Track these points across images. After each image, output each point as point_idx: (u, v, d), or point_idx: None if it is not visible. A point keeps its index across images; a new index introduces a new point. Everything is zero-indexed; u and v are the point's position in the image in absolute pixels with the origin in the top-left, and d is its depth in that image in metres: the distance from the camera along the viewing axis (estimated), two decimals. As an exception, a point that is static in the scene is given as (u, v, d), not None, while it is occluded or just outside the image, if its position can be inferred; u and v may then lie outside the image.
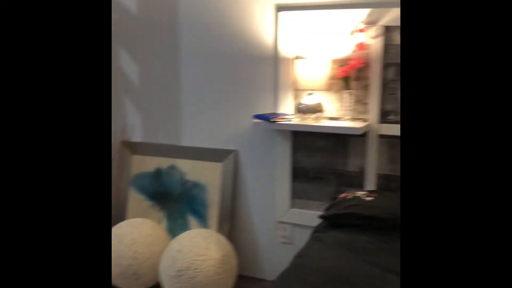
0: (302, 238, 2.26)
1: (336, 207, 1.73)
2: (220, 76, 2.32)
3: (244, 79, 2.27)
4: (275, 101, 2.21)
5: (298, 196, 2.25)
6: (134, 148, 2.54)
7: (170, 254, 2.01)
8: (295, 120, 2.08)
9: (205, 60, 2.34)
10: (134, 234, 2.16)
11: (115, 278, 2.14)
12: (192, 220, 2.39)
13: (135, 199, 2.51)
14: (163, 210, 2.46)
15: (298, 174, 2.23)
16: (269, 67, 2.20)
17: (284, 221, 2.29)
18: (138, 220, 2.27)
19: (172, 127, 2.47)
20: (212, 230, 2.27)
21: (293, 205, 2.26)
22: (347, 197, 1.77)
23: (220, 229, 2.31)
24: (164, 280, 2.02)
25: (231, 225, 2.36)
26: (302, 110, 2.03)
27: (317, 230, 1.69)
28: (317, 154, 2.18)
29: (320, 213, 2.18)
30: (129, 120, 2.57)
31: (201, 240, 2.02)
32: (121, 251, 2.11)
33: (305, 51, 2.08)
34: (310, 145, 2.18)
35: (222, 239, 2.10)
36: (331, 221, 1.68)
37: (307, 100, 2.04)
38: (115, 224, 2.42)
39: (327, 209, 1.78)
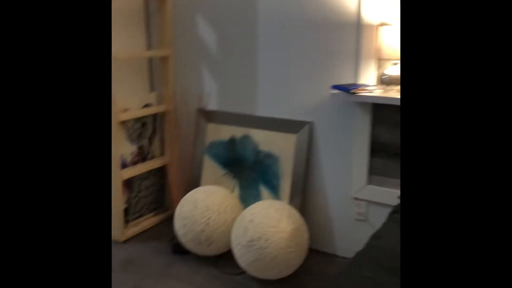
0: (377, 216, 2.17)
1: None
2: (299, 44, 2.23)
3: (324, 47, 2.16)
4: (356, 71, 2.09)
5: (375, 172, 2.14)
6: (210, 116, 2.55)
7: (241, 224, 2.02)
8: (377, 92, 1.95)
9: (284, 27, 2.25)
10: (208, 201, 2.18)
11: (188, 243, 2.20)
12: (264, 190, 2.37)
13: (210, 166, 2.54)
14: (236, 179, 2.46)
15: (377, 150, 2.11)
16: (351, 34, 2.07)
17: (359, 198, 2.20)
18: (212, 187, 2.29)
19: (247, 96, 2.44)
20: (284, 202, 2.24)
21: (370, 182, 2.16)
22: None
23: (291, 202, 2.28)
24: (235, 248, 2.04)
25: (303, 198, 2.32)
26: (385, 81, 1.90)
27: (395, 210, 1.59)
28: (398, 129, 2.04)
29: (398, 191, 2.06)
30: (206, 88, 2.57)
31: (273, 211, 2.00)
32: (194, 216, 2.15)
33: (391, 17, 1.93)
34: (391, 119, 2.05)
35: (295, 212, 2.07)
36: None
37: (391, 70, 1.89)
38: (190, 190, 2.48)
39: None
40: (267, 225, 1.95)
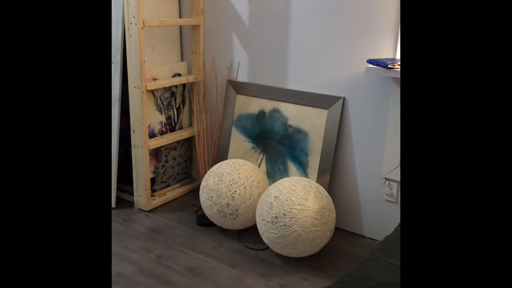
0: (409, 198, 2.08)
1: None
2: (334, 15, 2.12)
3: (361, 19, 2.04)
4: (395, 46, 1.97)
5: (409, 153, 2.04)
6: (239, 87, 2.49)
7: (267, 199, 1.98)
8: (416, 68, 1.83)
9: (319, -3, 2.14)
10: (234, 175, 2.15)
11: (213, 215, 2.18)
12: (292, 166, 2.32)
13: (238, 139, 2.50)
14: (264, 153, 2.41)
15: (412, 129, 2.00)
16: (391, 5, 1.94)
17: (390, 178, 2.11)
18: (239, 161, 2.25)
19: (278, 68, 2.35)
20: (311, 179, 2.18)
21: (402, 162, 2.06)
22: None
23: (319, 179, 2.21)
24: (260, 224, 2.01)
25: (332, 176, 2.25)
26: (425, 56, 1.77)
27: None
28: (437, 109, 1.92)
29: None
30: (236, 58, 2.50)
31: (300, 189, 1.95)
32: (220, 190, 2.13)
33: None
34: (430, 97, 1.93)
35: (322, 190, 2.00)
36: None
37: (433, 45, 1.77)
38: (217, 162, 2.45)
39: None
40: (293, 202, 1.90)
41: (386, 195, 2.14)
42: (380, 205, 2.18)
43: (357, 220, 2.27)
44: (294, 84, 2.31)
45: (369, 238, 2.25)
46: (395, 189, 2.12)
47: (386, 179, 2.12)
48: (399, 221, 2.12)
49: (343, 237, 2.23)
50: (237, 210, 2.12)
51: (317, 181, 2.18)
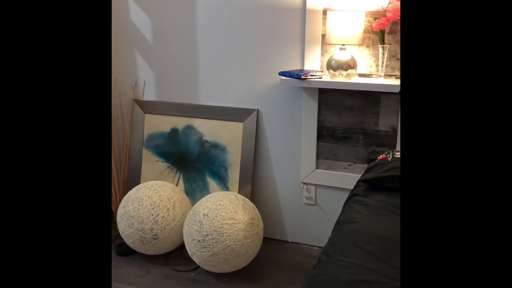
0: (326, 199, 2.21)
1: (376, 170, 1.65)
2: (241, 30, 2.17)
3: (267, 33, 2.13)
4: (301, 57, 2.08)
5: (323, 156, 2.17)
6: (147, 106, 2.40)
7: (195, 218, 1.94)
8: (325, 77, 1.96)
9: (225, 12, 2.18)
10: (154, 198, 2.06)
11: (135, 243, 2.07)
12: (211, 182, 2.30)
13: (150, 160, 2.41)
14: (180, 171, 2.36)
15: (324, 134, 2.14)
16: (296, 20, 2.06)
17: (308, 182, 2.22)
18: (157, 182, 2.17)
19: (188, 84, 2.33)
20: (236, 193, 2.19)
21: (318, 166, 2.18)
22: (387, 158, 1.69)
23: (241, 191, 2.24)
24: (189, 245, 1.96)
25: (253, 186, 2.29)
26: (333, 66, 1.91)
27: (356, 193, 1.61)
28: (345, 113, 2.08)
29: (346, 174, 2.11)
30: (141, 77, 2.41)
31: (228, 203, 1.94)
32: (141, 215, 2.03)
33: (336, 3, 1.94)
34: (338, 103, 2.08)
35: (249, 202, 2.03)
36: (371, 184, 1.60)
37: (339, 55, 1.91)
38: (131, 187, 2.33)
39: (367, 172, 1.70)
40: (223, 217, 1.89)
41: (306, 198, 2.25)
42: (300, 209, 2.28)
43: (280, 226, 2.33)
44: (206, 99, 2.31)
45: (293, 242, 2.33)
46: (313, 192, 2.23)
47: (304, 183, 2.23)
48: (319, 222, 2.24)
49: (269, 244, 2.28)
50: (162, 234, 2.04)
51: (239, 193, 2.20)
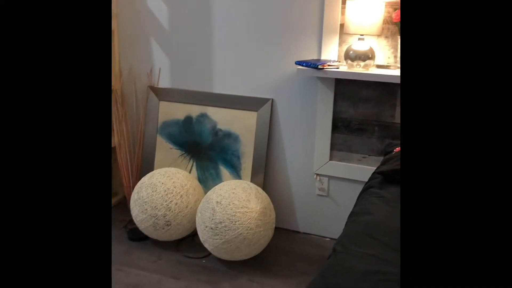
0: (339, 191, 2.20)
1: (392, 162, 1.64)
2: (258, 18, 2.15)
3: (285, 21, 2.11)
4: (319, 47, 2.07)
5: (337, 148, 2.16)
6: (162, 94, 2.41)
7: (208, 206, 1.94)
8: (342, 67, 1.94)
9: (242, 0, 2.16)
10: (168, 184, 2.07)
11: (148, 229, 2.09)
12: (224, 170, 2.31)
13: (164, 147, 2.41)
14: (193, 159, 2.37)
15: (339, 125, 2.12)
16: (314, 8, 2.04)
17: (321, 174, 2.21)
18: (171, 169, 2.18)
19: (203, 73, 2.32)
20: (249, 181, 2.19)
21: (332, 157, 2.17)
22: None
23: (253, 180, 2.24)
24: (202, 232, 1.97)
25: (265, 176, 2.28)
26: (351, 56, 1.89)
27: (372, 185, 1.60)
28: (361, 105, 2.06)
29: (360, 166, 2.10)
30: (156, 64, 2.42)
31: (241, 192, 1.95)
32: (155, 201, 2.04)
33: (356, -8, 1.91)
34: (354, 94, 2.06)
35: (261, 191, 2.03)
36: (387, 177, 1.59)
37: (357, 45, 1.89)
38: (145, 173, 2.34)
39: (383, 164, 1.68)
40: (236, 205, 1.90)
41: (318, 189, 2.24)
42: (313, 200, 2.27)
43: (291, 217, 2.33)
44: (221, 87, 2.31)
45: (304, 233, 2.33)
46: (326, 183, 2.22)
47: (317, 174, 2.22)
48: (331, 213, 2.24)
49: (280, 234, 2.28)
50: (174, 220, 2.05)
51: (251, 182, 2.20)
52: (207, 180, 2.34)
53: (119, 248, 2.14)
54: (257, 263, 2.03)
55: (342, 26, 1.98)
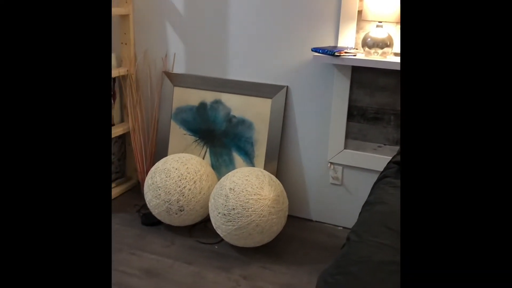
0: (353, 180, 2.19)
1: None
2: (274, 4, 2.12)
3: (301, 7, 2.08)
4: (335, 34, 2.03)
5: (352, 136, 2.14)
6: (176, 79, 2.40)
7: (221, 192, 1.94)
8: (360, 55, 1.91)
9: (258, -15, 2.13)
10: (182, 170, 2.08)
11: (161, 214, 2.10)
12: (237, 157, 2.30)
13: (178, 133, 2.42)
14: (207, 146, 2.37)
15: (355, 114, 2.10)
16: (331, -6, 2.00)
17: (335, 162, 2.19)
18: (185, 155, 2.18)
19: (218, 58, 2.31)
20: (262, 169, 2.18)
21: (346, 146, 2.15)
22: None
23: (267, 168, 2.23)
24: (214, 218, 1.97)
25: (279, 164, 2.28)
26: (368, 44, 1.86)
27: (387, 175, 1.58)
28: (378, 93, 2.03)
29: (374, 155, 2.08)
30: (171, 49, 2.41)
31: (254, 179, 1.94)
32: (168, 186, 2.05)
33: (375, -23, 1.87)
34: (371, 82, 2.03)
35: (274, 179, 2.02)
36: (402, 166, 1.57)
37: (375, 33, 1.86)
38: (159, 158, 2.35)
39: (399, 153, 1.66)
40: (249, 192, 1.90)
41: (332, 178, 2.23)
42: (326, 189, 2.26)
43: (305, 205, 2.33)
44: (235, 74, 2.29)
45: (317, 221, 2.32)
46: (340, 172, 2.21)
47: (331, 163, 2.20)
48: (344, 202, 2.22)
49: (293, 222, 2.28)
50: (187, 206, 2.06)
51: (264, 169, 2.20)
52: (221, 166, 2.34)
53: (132, 233, 2.16)
54: (269, 250, 2.03)
55: (360, 12, 1.94)
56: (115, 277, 1.82)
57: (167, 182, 2.06)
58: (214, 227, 2.01)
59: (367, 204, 1.44)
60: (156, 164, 2.18)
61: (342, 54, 1.87)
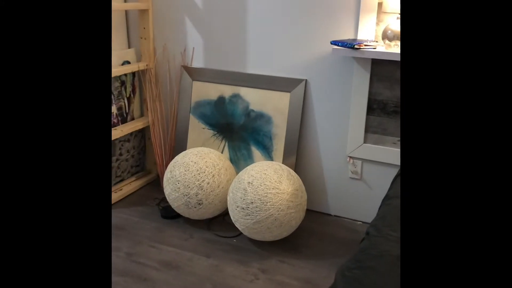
0: (372, 174, 2.17)
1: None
2: (293, -3, 2.11)
3: (320, 0, 2.06)
4: (355, 26, 2.01)
5: (372, 130, 2.11)
6: (195, 73, 2.41)
7: (240, 186, 1.95)
8: (380, 47, 1.89)
9: (277, -22, 2.12)
10: (200, 164, 2.09)
11: (180, 207, 2.12)
12: (256, 151, 2.30)
13: (196, 127, 2.43)
14: (226, 139, 2.37)
15: (375, 107, 2.07)
16: (351, -14, 1.98)
17: (355, 156, 2.17)
18: (204, 149, 2.19)
19: (236, 53, 2.31)
20: (281, 163, 2.18)
21: (366, 140, 2.13)
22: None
23: (285, 162, 2.22)
24: (233, 212, 1.98)
25: (297, 158, 2.27)
26: (389, 36, 1.83)
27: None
28: (398, 86, 2.00)
29: (394, 149, 2.06)
30: (190, 44, 2.41)
31: (272, 173, 1.94)
32: (187, 180, 2.06)
33: (396, -32, 1.84)
34: (391, 75, 2.00)
35: (293, 173, 2.02)
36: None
37: (396, 25, 1.83)
38: (178, 152, 2.37)
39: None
40: (268, 186, 1.89)
41: (351, 172, 2.21)
42: (345, 183, 2.24)
43: (323, 199, 2.32)
44: (254, 68, 2.29)
45: (335, 216, 2.31)
46: (359, 166, 2.18)
47: (351, 157, 2.18)
48: (364, 197, 2.21)
49: (311, 216, 2.27)
50: (206, 199, 2.07)
51: (283, 164, 2.19)
52: (239, 160, 2.35)
53: (152, 226, 2.18)
54: (287, 244, 2.03)
55: (380, 4, 1.91)
56: (134, 268, 1.84)
57: (186, 176, 2.07)
58: (233, 221, 2.02)
59: (386, 198, 1.42)
60: (175, 158, 2.20)
61: (361, 47, 1.84)
